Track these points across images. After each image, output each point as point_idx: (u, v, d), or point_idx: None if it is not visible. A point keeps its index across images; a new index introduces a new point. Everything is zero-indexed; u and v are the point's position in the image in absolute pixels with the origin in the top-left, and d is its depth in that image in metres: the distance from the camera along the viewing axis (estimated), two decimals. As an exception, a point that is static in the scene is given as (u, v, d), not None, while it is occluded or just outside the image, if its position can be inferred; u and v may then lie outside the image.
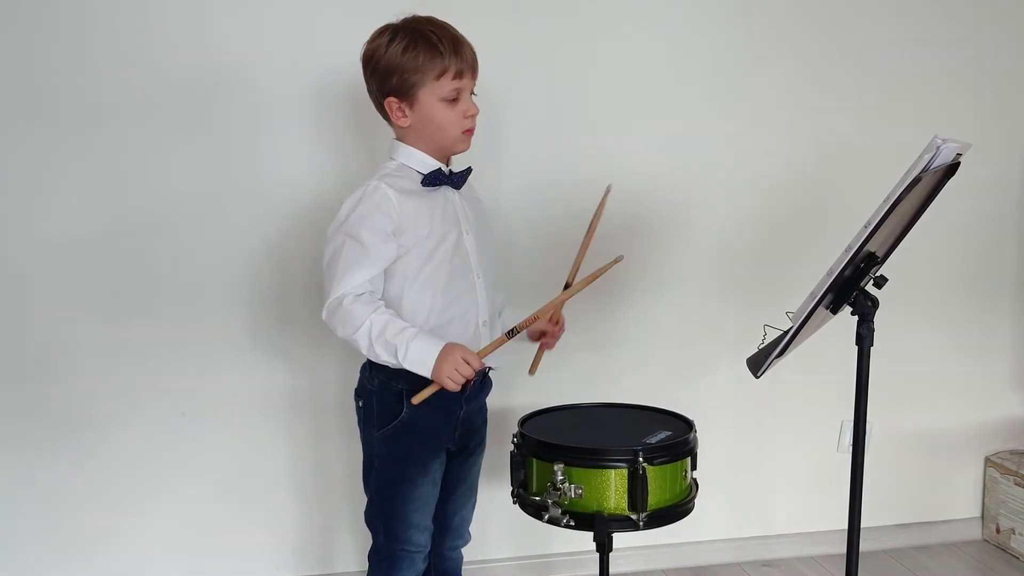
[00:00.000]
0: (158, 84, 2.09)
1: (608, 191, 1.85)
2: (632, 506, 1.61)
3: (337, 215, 1.66)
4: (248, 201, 2.16)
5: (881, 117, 2.48)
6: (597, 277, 1.63)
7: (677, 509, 1.68)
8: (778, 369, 1.64)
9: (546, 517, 1.63)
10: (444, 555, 1.88)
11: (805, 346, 1.70)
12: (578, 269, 1.85)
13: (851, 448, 1.63)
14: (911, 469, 2.66)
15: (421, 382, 1.65)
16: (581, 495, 1.62)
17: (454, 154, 1.74)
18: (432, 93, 1.64)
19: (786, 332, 1.55)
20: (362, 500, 1.79)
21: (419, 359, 1.59)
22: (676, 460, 1.67)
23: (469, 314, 1.72)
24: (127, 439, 2.18)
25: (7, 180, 2.06)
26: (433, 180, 1.69)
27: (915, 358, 2.59)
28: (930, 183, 1.57)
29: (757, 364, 1.59)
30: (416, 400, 1.63)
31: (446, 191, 1.73)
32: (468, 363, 1.59)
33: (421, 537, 1.75)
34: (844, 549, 1.68)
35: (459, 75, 1.65)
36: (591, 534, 1.65)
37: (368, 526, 1.79)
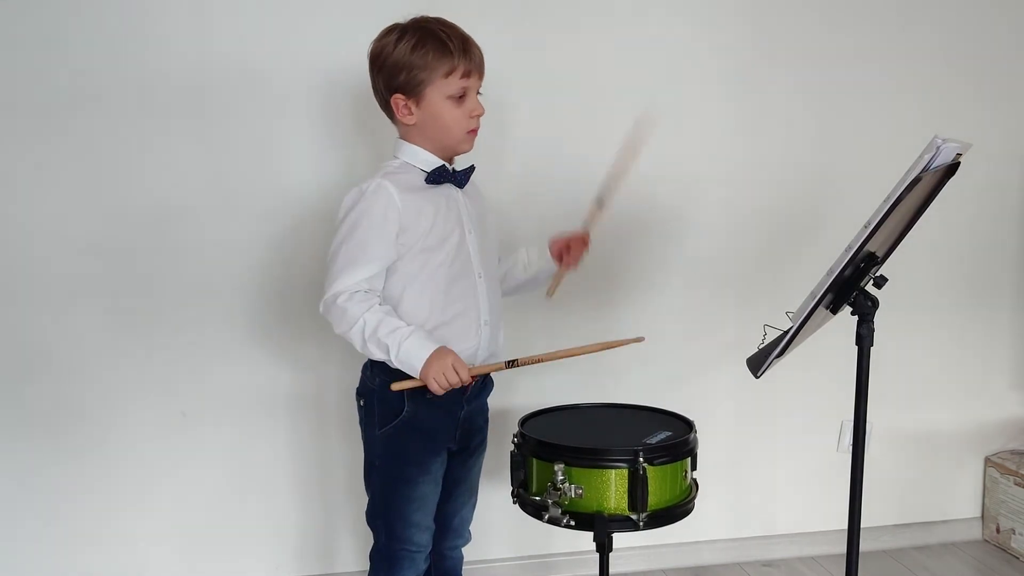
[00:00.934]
0: (161, 83, 2.09)
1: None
2: (632, 506, 1.61)
3: (338, 212, 1.67)
4: (251, 200, 2.17)
5: (881, 117, 2.48)
6: (610, 347, 1.68)
7: (677, 509, 1.68)
8: (778, 369, 1.64)
9: (546, 517, 1.64)
10: (444, 555, 1.88)
11: (805, 346, 1.70)
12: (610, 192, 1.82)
13: (851, 448, 1.63)
14: (911, 469, 2.67)
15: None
16: (581, 495, 1.62)
17: (457, 154, 1.74)
18: (439, 91, 1.64)
19: (786, 332, 1.55)
20: (363, 499, 1.79)
21: (410, 356, 1.59)
22: (676, 460, 1.67)
23: (470, 313, 1.72)
24: (127, 437, 2.18)
25: (8, 179, 2.06)
26: (437, 177, 1.69)
27: (915, 358, 2.59)
28: (930, 183, 1.57)
29: (757, 364, 1.59)
30: (395, 387, 1.63)
31: (449, 190, 1.72)
32: (456, 372, 1.59)
33: (422, 537, 1.75)
34: (844, 549, 1.68)
35: (467, 74, 1.65)
36: (591, 534, 1.65)
37: (369, 525, 1.79)
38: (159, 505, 2.22)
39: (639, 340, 1.65)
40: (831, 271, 1.51)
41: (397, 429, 1.70)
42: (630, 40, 2.31)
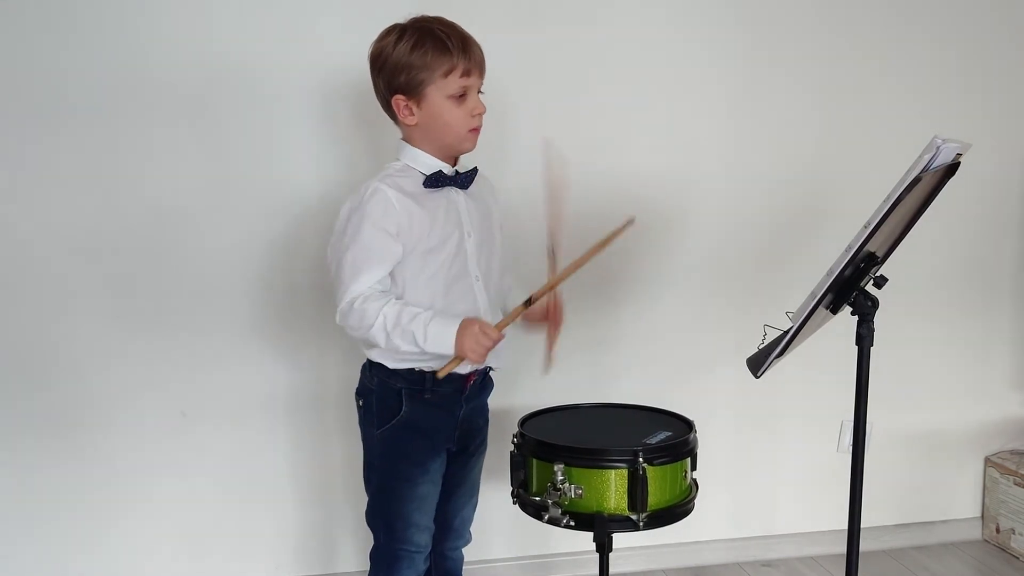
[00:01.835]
0: (162, 83, 2.09)
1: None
2: (632, 506, 1.62)
3: (338, 221, 1.67)
4: (252, 200, 2.16)
5: (881, 117, 2.48)
6: (609, 242, 1.64)
7: (677, 509, 1.68)
8: (778, 369, 1.64)
9: (546, 517, 1.64)
10: (445, 555, 1.88)
11: (805, 346, 1.70)
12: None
13: (851, 448, 1.63)
14: (911, 469, 2.67)
15: (420, 382, 1.65)
16: (581, 495, 1.62)
17: (460, 153, 1.74)
18: (440, 90, 1.64)
19: (786, 332, 1.55)
20: (363, 500, 1.79)
21: (440, 339, 1.59)
22: (676, 460, 1.67)
23: (469, 315, 1.71)
24: (128, 438, 2.18)
25: (9, 180, 2.05)
26: (435, 181, 1.69)
27: (915, 358, 2.59)
28: (930, 183, 1.57)
29: (757, 364, 1.59)
30: (441, 374, 1.63)
31: (450, 192, 1.72)
32: (487, 334, 1.60)
33: (422, 537, 1.75)
34: (844, 549, 1.68)
35: (467, 73, 1.65)
36: (591, 534, 1.65)
37: (369, 526, 1.79)
38: (159, 505, 2.22)
39: (630, 221, 1.64)
40: (831, 271, 1.51)
41: (396, 429, 1.70)
42: (630, 40, 2.31)
